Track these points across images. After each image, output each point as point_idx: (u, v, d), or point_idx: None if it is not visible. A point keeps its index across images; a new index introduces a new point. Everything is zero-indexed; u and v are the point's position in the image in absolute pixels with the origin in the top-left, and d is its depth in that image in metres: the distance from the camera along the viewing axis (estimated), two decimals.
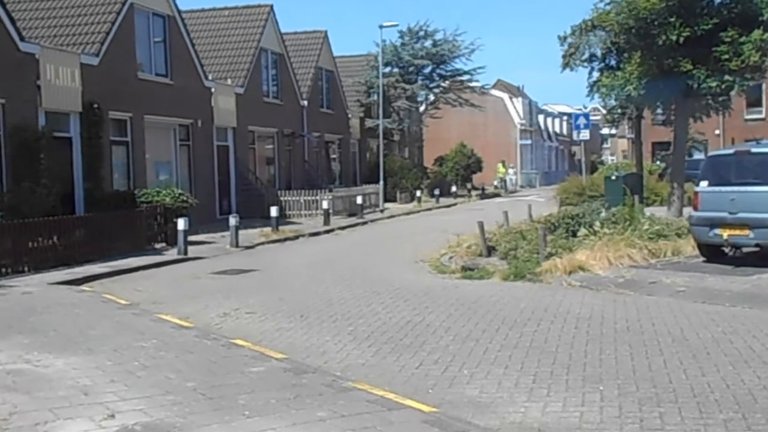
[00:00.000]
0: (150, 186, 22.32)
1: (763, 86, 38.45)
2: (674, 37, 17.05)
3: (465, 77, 47.78)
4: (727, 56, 16.95)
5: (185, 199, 21.02)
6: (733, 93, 17.97)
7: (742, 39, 16.68)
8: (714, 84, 17.35)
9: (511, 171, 56.76)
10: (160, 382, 7.44)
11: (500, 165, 52.65)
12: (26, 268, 15.53)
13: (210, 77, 28.20)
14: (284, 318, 10.73)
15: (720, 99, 19.16)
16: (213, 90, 27.92)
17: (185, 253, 18.35)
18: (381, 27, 37.07)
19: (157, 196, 20.50)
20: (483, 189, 48.77)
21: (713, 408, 6.35)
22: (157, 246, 19.76)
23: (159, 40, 25.04)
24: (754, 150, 14.08)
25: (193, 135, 26.82)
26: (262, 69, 32.82)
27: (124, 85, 22.59)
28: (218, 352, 8.72)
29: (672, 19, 17.26)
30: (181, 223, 18.46)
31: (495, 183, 53.37)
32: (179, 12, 25.71)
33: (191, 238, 19.80)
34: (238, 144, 30.11)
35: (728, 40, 16.95)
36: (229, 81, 30.04)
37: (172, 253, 18.59)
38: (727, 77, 17.11)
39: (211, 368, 7.94)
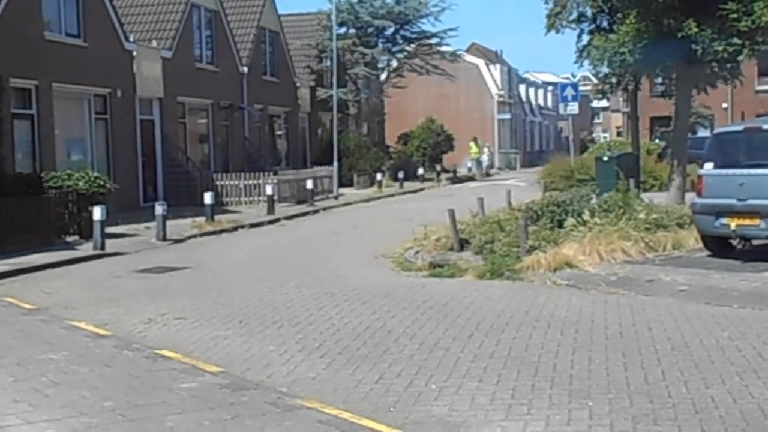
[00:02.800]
0: (60, 168, 22.05)
1: None
2: None
3: (433, 40, 47.95)
4: (735, 15, 17.16)
5: (102, 183, 20.81)
6: (741, 58, 18.16)
7: None
8: (720, 48, 17.56)
9: (486, 150, 57.10)
10: (73, 401, 7.40)
11: (472, 143, 52.84)
12: None
13: (132, 38, 27.91)
14: (220, 324, 10.71)
15: (728, 66, 19.41)
16: (135, 53, 27.65)
17: (102, 247, 18.20)
18: None
19: (68, 180, 20.28)
20: (454, 171, 49.04)
21: (717, 426, 6.46)
22: (69, 239, 19.56)
23: None
24: (766, 127, 14.30)
25: (111, 107, 26.55)
26: (193, 29, 32.56)
27: (27, 47, 22.26)
28: (142, 365, 8.70)
29: None
30: (98, 213, 18.30)
31: (468, 165, 53.70)
32: None
33: (110, 229, 19.63)
34: (165, 118, 29.88)
35: None
36: (154, 43, 29.77)
37: (86, 248, 18.42)
38: (735, 40, 17.32)
39: (133, 384, 7.92)
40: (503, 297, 12.05)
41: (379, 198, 35.32)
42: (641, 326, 9.90)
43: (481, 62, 64.96)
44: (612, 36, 19.40)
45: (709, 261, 13.80)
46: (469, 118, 60.59)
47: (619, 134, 74.68)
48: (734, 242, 14.52)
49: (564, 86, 36.13)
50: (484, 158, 55.77)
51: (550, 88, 79.36)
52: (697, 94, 22.91)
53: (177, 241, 20.48)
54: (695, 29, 17.51)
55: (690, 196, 16.74)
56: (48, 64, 23.05)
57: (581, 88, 44.45)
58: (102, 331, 10.41)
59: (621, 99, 54.02)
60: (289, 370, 8.42)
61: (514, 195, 22.35)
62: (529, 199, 19.75)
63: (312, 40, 44.72)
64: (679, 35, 17.71)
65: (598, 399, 7.17)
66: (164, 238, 20.21)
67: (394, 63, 48.61)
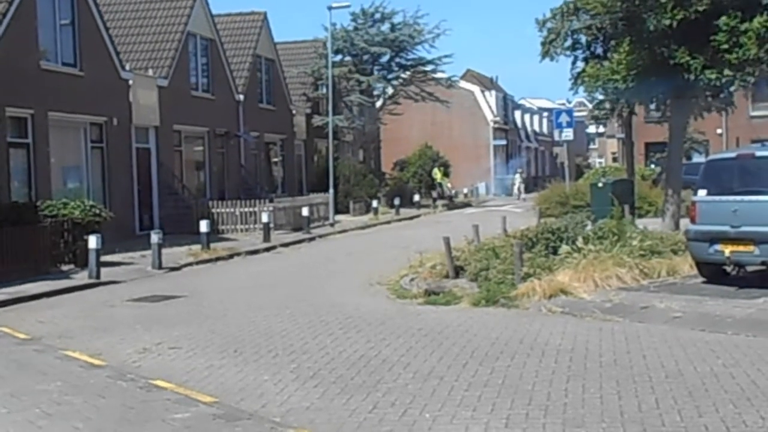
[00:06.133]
0: (56, 196, 22.08)
1: None
2: (667, 21, 17.34)
3: (429, 67, 48.08)
4: (726, 46, 17.28)
5: (98, 212, 20.83)
6: (733, 89, 18.31)
7: (744, 26, 17.00)
8: (713, 76, 17.66)
9: (517, 175, 58.16)
10: None
11: (436, 170, 52.38)
12: None
13: (128, 67, 28.01)
14: (215, 353, 10.70)
15: (720, 96, 19.52)
16: (131, 82, 27.73)
17: (98, 276, 18.19)
18: (330, 8, 37.18)
19: (64, 209, 20.30)
20: (451, 198, 49.10)
21: None
22: (64, 268, 19.55)
23: (66, 22, 24.82)
24: (759, 153, 14.36)
25: (107, 135, 26.60)
26: (189, 57, 32.70)
27: (23, 76, 22.33)
28: (135, 395, 8.68)
29: (663, 0, 17.54)
30: (93, 241, 18.30)
31: (464, 190, 53.92)
32: None
33: (105, 258, 19.62)
34: (161, 146, 29.93)
35: (726, 27, 17.26)
36: (150, 71, 29.87)
37: (81, 277, 18.41)
38: (726, 72, 17.43)
39: (127, 415, 7.91)
40: (498, 324, 12.06)
41: (375, 225, 35.33)
42: (635, 354, 9.91)
43: (476, 89, 65.20)
44: (605, 63, 19.52)
45: (704, 287, 13.83)
46: (464, 145, 60.76)
47: (614, 160, 74.94)
48: (728, 269, 14.55)
49: (559, 112, 36.20)
50: (517, 185, 57.24)
51: (545, 114, 79.62)
52: (694, 120, 23.02)
53: (173, 270, 20.46)
54: (687, 58, 17.61)
55: (684, 223, 16.78)
56: (44, 93, 23.12)
57: (577, 113, 44.68)
58: (96, 361, 10.40)
59: (616, 125, 54.27)
60: (283, 399, 8.42)
61: (509, 221, 22.38)
62: (524, 225, 19.78)
63: (308, 67, 44.91)
64: (672, 63, 17.82)
65: (592, 428, 7.18)
66: (160, 267, 20.20)
67: (390, 90, 48.72)
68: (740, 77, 17.62)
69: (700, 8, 17.15)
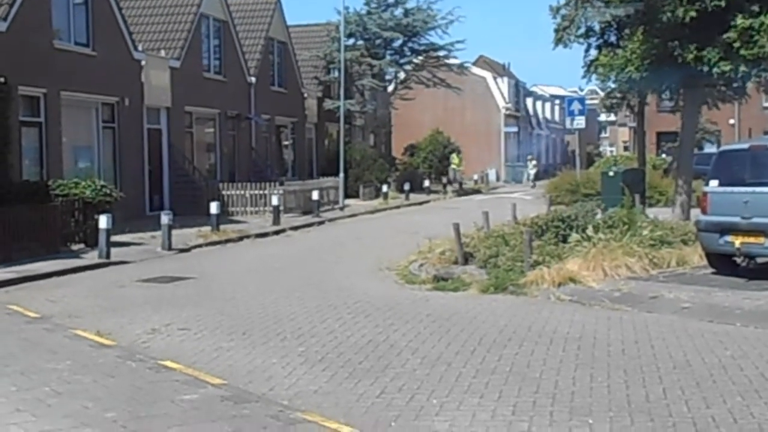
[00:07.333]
0: (67, 176, 22.12)
1: None
2: (680, 14, 17.23)
3: (441, 53, 47.94)
4: (739, 43, 17.16)
5: (109, 192, 20.85)
6: (749, 84, 18.22)
7: (758, 21, 16.86)
8: (727, 68, 17.55)
9: (530, 163, 59.26)
10: (75, 411, 7.42)
11: (454, 155, 52.06)
12: None
13: (140, 48, 28.01)
14: (224, 335, 10.73)
15: (733, 86, 19.44)
16: (143, 63, 27.74)
17: (108, 256, 18.25)
18: None
19: (75, 188, 20.34)
20: (461, 184, 49.04)
21: None
22: (75, 248, 19.60)
23: (80, 2, 24.85)
24: None
25: (119, 116, 26.63)
26: (202, 39, 32.67)
27: (37, 55, 22.35)
28: (144, 376, 8.72)
29: None
30: (104, 221, 18.35)
31: (474, 177, 53.83)
32: None
33: (116, 238, 19.67)
34: (172, 127, 29.96)
35: (740, 26, 17.09)
36: (162, 53, 29.88)
37: (92, 257, 18.47)
38: (742, 68, 17.31)
39: (136, 395, 7.94)
40: (506, 312, 12.06)
41: (384, 210, 35.33)
42: (643, 343, 9.90)
43: (488, 75, 65.00)
44: (619, 52, 19.45)
45: (713, 278, 13.81)
46: (475, 131, 60.61)
47: (626, 148, 74.75)
48: (738, 260, 14.51)
49: (571, 100, 36.12)
50: (529, 172, 57.68)
51: (557, 101, 79.30)
52: (708, 109, 22.99)
53: (182, 251, 20.51)
54: (695, 56, 17.47)
55: (695, 213, 16.74)
56: (56, 73, 23.15)
57: (589, 101, 44.49)
58: (106, 341, 10.45)
59: (626, 114, 54.15)
60: (291, 382, 8.44)
61: (519, 209, 22.32)
62: (534, 213, 19.75)
63: (320, 51, 44.84)
64: (680, 60, 17.73)
65: (599, 417, 7.18)
66: (170, 248, 20.24)
67: (402, 75, 48.58)
68: (756, 73, 17.52)
69: (717, 3, 16.92)
